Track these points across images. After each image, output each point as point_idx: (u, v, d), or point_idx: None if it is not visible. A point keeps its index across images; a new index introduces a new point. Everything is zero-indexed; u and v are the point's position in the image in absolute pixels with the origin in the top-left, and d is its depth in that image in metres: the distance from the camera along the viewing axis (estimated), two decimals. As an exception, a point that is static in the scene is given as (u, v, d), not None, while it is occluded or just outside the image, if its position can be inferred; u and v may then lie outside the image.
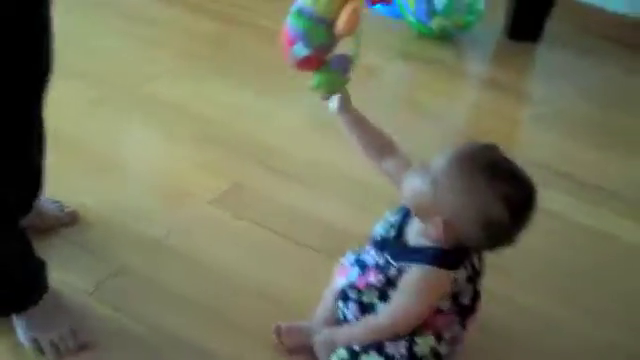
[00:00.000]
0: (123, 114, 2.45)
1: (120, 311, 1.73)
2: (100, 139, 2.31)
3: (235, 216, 2.03)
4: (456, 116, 2.76)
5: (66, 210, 1.96)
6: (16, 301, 1.63)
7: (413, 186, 1.36)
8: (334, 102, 1.46)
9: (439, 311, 1.42)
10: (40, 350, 1.61)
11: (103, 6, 3.07)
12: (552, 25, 3.25)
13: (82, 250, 1.89)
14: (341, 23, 1.35)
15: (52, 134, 2.23)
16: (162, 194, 2.10)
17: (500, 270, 1.88)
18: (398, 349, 1.44)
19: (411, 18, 3.12)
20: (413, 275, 1.38)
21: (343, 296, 1.51)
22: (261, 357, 1.66)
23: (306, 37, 1.37)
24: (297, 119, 2.48)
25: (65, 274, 1.78)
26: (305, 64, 1.40)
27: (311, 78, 1.42)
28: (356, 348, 1.47)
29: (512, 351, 1.74)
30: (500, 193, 1.28)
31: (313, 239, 1.97)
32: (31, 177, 1.67)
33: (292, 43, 1.38)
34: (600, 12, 3.34)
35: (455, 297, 1.42)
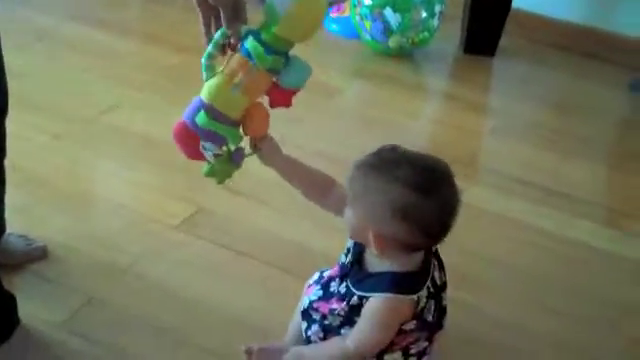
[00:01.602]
0: (85, 146, 2.45)
1: (92, 342, 1.72)
2: (63, 172, 2.31)
3: (201, 240, 2.04)
4: (417, 132, 2.80)
5: (34, 245, 1.95)
6: None
7: (346, 219, 1.40)
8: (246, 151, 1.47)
9: (404, 332, 1.42)
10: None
11: (57, 40, 3.08)
12: (505, 37, 3.31)
13: (51, 283, 1.88)
14: (252, 130, 1.42)
15: (16, 169, 2.23)
16: (128, 222, 2.10)
17: (466, 279, 1.92)
18: None
19: (367, 37, 3.16)
20: (374, 304, 1.38)
21: (307, 316, 1.52)
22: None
23: (217, 137, 1.40)
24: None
25: (36, 308, 1.77)
26: (201, 156, 1.43)
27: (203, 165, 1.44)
28: None
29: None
30: (392, 177, 1.30)
31: (281, 260, 1.98)
32: None
33: (199, 140, 1.40)
34: (549, 22, 3.42)
35: (418, 317, 1.41)
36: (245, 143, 1.46)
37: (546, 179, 2.47)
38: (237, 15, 1.36)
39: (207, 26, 1.42)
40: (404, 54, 3.20)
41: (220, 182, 1.46)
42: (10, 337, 1.63)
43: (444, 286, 1.47)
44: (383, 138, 2.58)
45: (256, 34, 1.37)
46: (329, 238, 1.87)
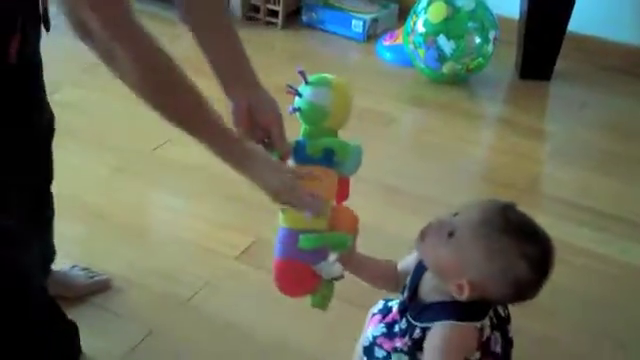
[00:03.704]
0: (143, 178, 2.49)
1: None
2: (124, 205, 2.35)
3: (260, 269, 2.04)
4: (474, 158, 2.78)
5: (96, 277, 1.98)
6: None
7: (434, 249, 1.36)
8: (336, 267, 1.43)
9: None
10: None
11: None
12: (561, 61, 3.28)
13: (113, 315, 1.91)
14: (346, 226, 1.41)
15: (78, 202, 2.27)
16: (188, 254, 2.13)
17: (530, 306, 1.89)
18: None
19: (421, 65, 3.16)
20: (437, 334, 1.36)
21: (369, 353, 1.49)
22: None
23: (325, 252, 1.39)
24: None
25: (97, 340, 1.80)
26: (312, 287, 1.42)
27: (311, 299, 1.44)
28: None
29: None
30: (522, 252, 1.29)
31: (342, 290, 1.95)
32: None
33: (309, 267, 1.38)
34: (607, 45, 3.38)
35: (484, 347, 1.38)
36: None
37: (607, 204, 2.42)
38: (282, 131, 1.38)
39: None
40: (459, 81, 3.19)
41: (326, 307, 1.46)
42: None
43: (508, 319, 1.45)
44: (440, 165, 2.61)
45: (304, 143, 1.37)
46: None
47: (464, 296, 1.32)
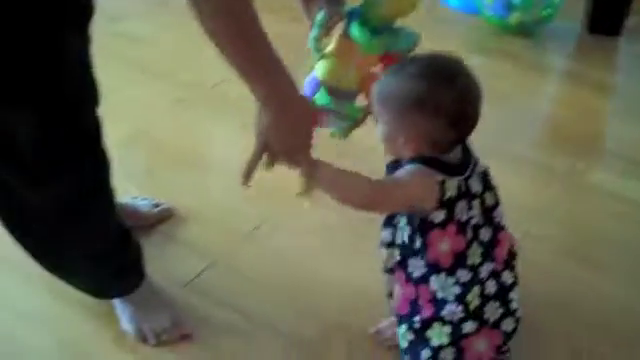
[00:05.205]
0: (206, 113, 2.52)
1: (216, 302, 1.79)
2: (186, 137, 2.39)
3: (324, 209, 2.04)
4: (537, 110, 2.74)
5: (161, 207, 2.03)
6: (119, 282, 1.70)
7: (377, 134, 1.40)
8: None
9: (433, 226, 1.37)
10: (144, 339, 1.68)
11: (181, 13, 3.14)
12: (632, 16, 3.21)
13: (176, 244, 1.96)
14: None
15: (140, 134, 2.31)
16: (248, 188, 2.15)
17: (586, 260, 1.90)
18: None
19: (488, 13, 3.12)
20: (401, 170, 1.38)
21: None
22: (342, 342, 1.70)
23: (338, 113, 1.47)
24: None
25: (160, 267, 1.85)
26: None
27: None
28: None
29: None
30: (406, 76, 1.32)
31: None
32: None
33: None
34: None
35: (446, 207, 1.36)
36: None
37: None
38: None
39: (306, 8, 1.46)
40: (525, 31, 3.14)
41: (345, 137, 1.53)
42: (139, 287, 1.71)
43: (494, 207, 1.44)
44: (501, 115, 2.59)
45: (359, 15, 1.40)
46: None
47: (413, 151, 1.35)
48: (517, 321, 1.45)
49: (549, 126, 2.66)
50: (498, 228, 1.44)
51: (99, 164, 1.50)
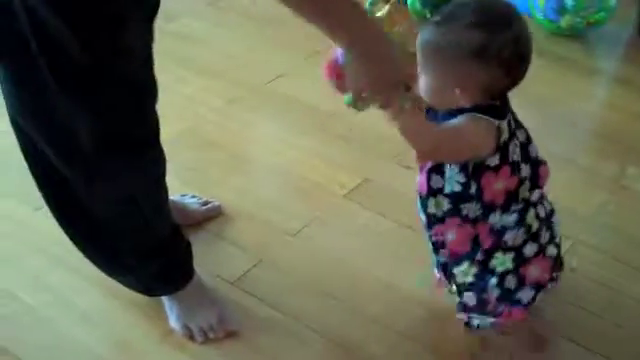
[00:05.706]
0: (256, 111, 2.53)
1: (262, 300, 1.81)
2: (236, 136, 2.41)
3: (368, 210, 2.08)
4: (588, 115, 2.71)
5: (210, 205, 2.05)
6: (169, 280, 1.72)
7: (422, 87, 1.40)
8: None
9: (488, 169, 1.40)
10: (191, 336, 1.71)
11: (233, 11, 3.17)
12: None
13: (223, 242, 1.98)
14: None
15: (191, 132, 2.34)
16: (297, 188, 2.17)
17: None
18: None
19: (540, 16, 3.10)
20: (457, 119, 1.39)
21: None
22: (384, 345, 1.71)
23: None
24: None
25: (207, 264, 1.87)
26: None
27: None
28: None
29: None
30: (466, 24, 1.31)
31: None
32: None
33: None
34: None
35: (502, 151, 1.39)
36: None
37: None
38: None
39: None
40: (576, 34, 3.11)
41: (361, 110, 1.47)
42: (187, 285, 1.73)
43: (528, 143, 1.48)
44: (552, 118, 2.57)
45: None
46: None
47: (468, 101, 1.36)
48: (557, 246, 1.52)
49: (595, 128, 2.63)
50: (538, 163, 1.49)
51: (157, 159, 1.53)
